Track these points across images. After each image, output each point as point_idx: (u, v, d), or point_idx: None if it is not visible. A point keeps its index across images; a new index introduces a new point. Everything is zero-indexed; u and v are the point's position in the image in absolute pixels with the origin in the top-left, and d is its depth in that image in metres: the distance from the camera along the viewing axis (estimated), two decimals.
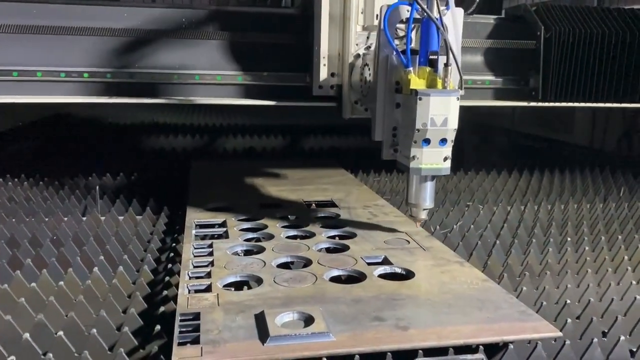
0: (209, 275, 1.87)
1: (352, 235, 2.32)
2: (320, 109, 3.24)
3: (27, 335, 1.53)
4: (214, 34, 3.30)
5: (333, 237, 2.33)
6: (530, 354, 1.57)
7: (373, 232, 2.36)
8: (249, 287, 1.80)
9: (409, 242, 2.24)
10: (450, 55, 2.00)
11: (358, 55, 2.75)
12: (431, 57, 2.08)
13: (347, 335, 1.47)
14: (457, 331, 1.50)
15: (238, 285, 1.85)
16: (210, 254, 2.07)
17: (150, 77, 3.24)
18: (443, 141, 2.06)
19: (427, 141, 2.05)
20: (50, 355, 1.49)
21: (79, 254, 2.26)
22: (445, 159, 2.10)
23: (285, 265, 2.02)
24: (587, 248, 2.46)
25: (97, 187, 3.15)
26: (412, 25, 2.10)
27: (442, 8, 2.04)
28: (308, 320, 1.54)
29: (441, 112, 2.00)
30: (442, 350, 1.48)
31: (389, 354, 1.45)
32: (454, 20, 2.16)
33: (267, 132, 5.34)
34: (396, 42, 2.22)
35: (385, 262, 2.02)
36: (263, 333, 1.46)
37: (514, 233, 2.70)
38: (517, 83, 3.69)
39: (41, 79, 3.13)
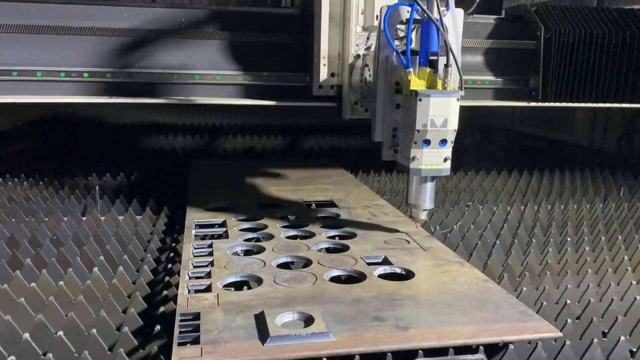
0: (208, 275, 1.87)
1: (352, 236, 2.32)
2: (320, 109, 3.24)
3: (26, 335, 1.53)
4: (214, 34, 3.30)
5: (333, 237, 2.33)
6: (531, 354, 1.57)
7: (373, 232, 2.36)
8: (249, 287, 1.80)
9: (409, 242, 2.24)
10: (451, 56, 2.00)
11: (358, 56, 2.74)
12: (431, 57, 2.08)
13: (347, 335, 1.47)
14: (457, 331, 1.50)
15: (238, 286, 1.85)
16: (210, 254, 2.07)
17: (150, 77, 3.24)
18: (443, 142, 2.06)
19: (427, 142, 2.05)
20: (50, 355, 1.49)
21: (79, 254, 2.26)
22: (445, 159, 2.10)
23: (285, 265, 2.02)
24: (587, 248, 2.46)
25: (97, 187, 3.15)
26: (412, 26, 2.10)
27: (442, 9, 2.04)
28: (308, 321, 1.54)
29: (441, 113, 2.00)
30: (442, 351, 1.48)
31: (389, 354, 1.45)
32: (454, 21, 2.16)
33: (267, 132, 5.35)
34: (396, 42, 2.22)
35: (385, 262, 2.02)
36: (263, 333, 1.46)
37: (514, 233, 2.70)
38: (517, 83, 3.70)
39: (41, 79, 3.13)
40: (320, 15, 2.91)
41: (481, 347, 1.50)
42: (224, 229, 2.39)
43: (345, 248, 2.16)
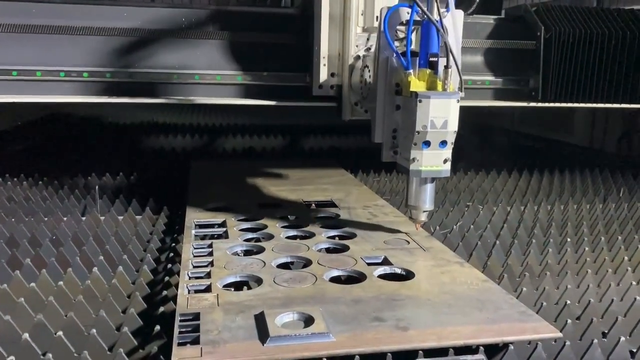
0: (208, 275, 1.87)
1: (352, 236, 2.32)
2: (320, 109, 3.24)
3: (26, 335, 1.53)
4: (214, 34, 3.30)
5: (333, 237, 2.33)
6: (531, 355, 1.57)
7: (373, 232, 2.36)
8: (249, 288, 1.80)
9: (408, 242, 2.24)
10: (450, 58, 2.00)
11: (358, 57, 2.74)
12: (431, 59, 2.08)
13: (347, 335, 1.47)
14: (457, 332, 1.50)
15: (238, 286, 1.85)
16: (210, 254, 2.07)
17: (149, 77, 3.24)
18: (443, 143, 2.06)
19: (427, 143, 2.05)
20: (50, 355, 1.49)
21: (79, 254, 2.26)
22: (445, 161, 2.10)
23: (285, 266, 2.01)
24: (587, 249, 2.46)
25: (97, 187, 3.15)
26: (412, 27, 2.10)
27: (442, 10, 2.04)
28: (308, 321, 1.54)
29: (441, 114, 2.00)
30: (442, 351, 1.48)
31: (389, 354, 1.45)
32: (454, 22, 2.16)
33: (267, 132, 5.34)
34: (396, 44, 2.22)
35: (385, 262, 2.02)
36: (263, 333, 1.46)
37: (513, 233, 2.70)
38: (517, 83, 3.70)
39: (41, 79, 3.13)
40: (320, 15, 2.91)
41: (481, 348, 1.50)
42: (224, 229, 2.39)
43: (345, 248, 2.16)
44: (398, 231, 2.37)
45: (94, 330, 1.57)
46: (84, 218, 2.77)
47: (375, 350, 1.43)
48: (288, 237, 2.30)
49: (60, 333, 1.55)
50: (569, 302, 1.89)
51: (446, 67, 2.02)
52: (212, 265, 1.95)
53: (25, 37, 3.09)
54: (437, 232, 2.62)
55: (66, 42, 3.14)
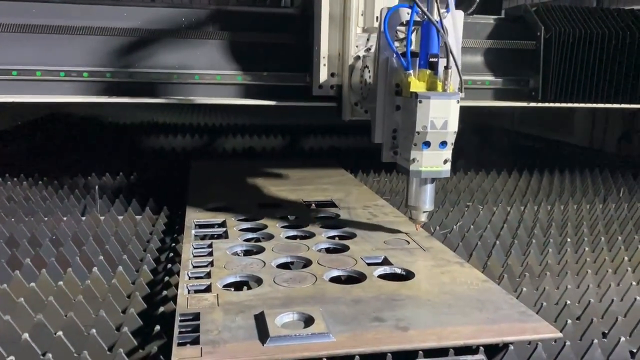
0: (208, 275, 1.87)
1: (352, 236, 2.32)
2: (320, 109, 3.24)
3: (26, 335, 1.53)
4: (214, 34, 3.30)
5: (333, 237, 2.33)
6: (531, 355, 1.57)
7: (373, 232, 2.36)
8: (249, 288, 1.80)
9: (408, 242, 2.24)
10: (451, 58, 2.00)
11: (358, 57, 2.74)
12: (431, 59, 2.08)
13: (347, 335, 1.47)
14: (457, 332, 1.50)
15: (238, 286, 1.85)
16: (210, 254, 2.07)
17: (149, 77, 3.23)
18: (443, 144, 2.06)
19: (427, 144, 2.05)
20: (50, 355, 1.49)
21: (79, 253, 2.26)
22: (445, 161, 2.10)
23: (285, 266, 2.01)
24: (587, 249, 2.46)
25: (97, 187, 3.14)
26: (412, 28, 2.10)
27: (442, 11, 2.04)
28: (308, 321, 1.53)
29: (441, 115, 2.00)
30: (442, 351, 1.48)
31: (389, 354, 1.45)
32: (454, 22, 2.16)
33: (267, 132, 5.34)
34: (396, 44, 2.22)
35: (385, 262, 2.02)
36: (263, 333, 1.46)
37: (513, 233, 2.70)
38: (517, 83, 3.70)
39: (40, 79, 3.13)
40: (320, 15, 2.91)
41: (481, 348, 1.50)
42: (224, 229, 2.39)
43: (345, 248, 2.16)
44: (398, 231, 2.37)
45: (94, 330, 1.57)
46: (83, 218, 2.77)
47: (375, 350, 1.43)
48: (288, 237, 2.30)
49: (60, 333, 1.55)
50: (569, 302, 1.89)
51: (446, 67, 2.02)
52: (212, 265, 1.95)
53: (25, 36, 3.09)
54: (437, 232, 2.62)
55: (66, 42, 3.14)
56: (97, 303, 1.85)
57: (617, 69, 3.64)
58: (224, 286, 1.80)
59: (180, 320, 1.53)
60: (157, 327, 1.62)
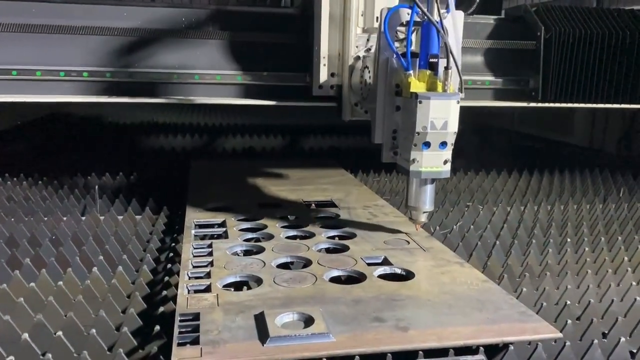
0: (208, 275, 1.87)
1: (351, 236, 2.31)
2: (320, 109, 3.24)
3: (26, 335, 1.53)
4: (214, 34, 3.29)
5: (333, 237, 2.33)
6: (531, 355, 1.57)
7: (373, 232, 2.36)
8: (249, 288, 1.80)
9: (408, 242, 2.24)
10: (451, 59, 2.00)
11: (358, 58, 2.74)
12: (431, 60, 2.07)
13: (347, 336, 1.47)
14: (457, 332, 1.50)
15: (238, 286, 1.85)
16: (210, 254, 2.07)
17: (149, 77, 3.23)
18: (443, 144, 2.06)
19: (427, 144, 2.05)
20: (49, 355, 1.49)
21: (78, 253, 2.26)
22: (445, 162, 2.10)
23: (285, 266, 2.01)
24: (587, 249, 2.46)
25: (97, 187, 3.14)
26: (412, 28, 2.10)
27: (442, 11, 2.04)
28: (308, 321, 1.53)
29: (441, 115, 2.00)
30: (443, 351, 1.48)
31: (389, 355, 1.45)
32: (454, 23, 2.16)
33: (267, 132, 5.34)
34: (396, 44, 2.21)
35: (385, 262, 2.02)
36: (263, 334, 1.45)
37: (513, 234, 2.70)
38: (517, 83, 3.69)
39: (40, 78, 3.13)
40: (320, 15, 2.91)
41: (481, 348, 1.50)
42: (224, 229, 2.39)
43: (345, 248, 2.16)
44: (398, 231, 2.37)
45: (94, 330, 1.57)
46: (83, 218, 2.77)
47: (376, 350, 1.43)
48: (288, 237, 2.30)
49: (59, 333, 1.55)
50: (569, 302, 1.89)
51: (446, 68, 2.02)
52: (212, 265, 1.95)
53: (25, 36, 3.09)
54: (437, 232, 2.62)
55: (66, 42, 3.13)
56: (97, 303, 1.85)
57: (617, 69, 3.64)
58: (224, 286, 1.80)
59: (180, 320, 1.52)
60: (157, 327, 1.62)
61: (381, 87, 2.23)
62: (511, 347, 1.53)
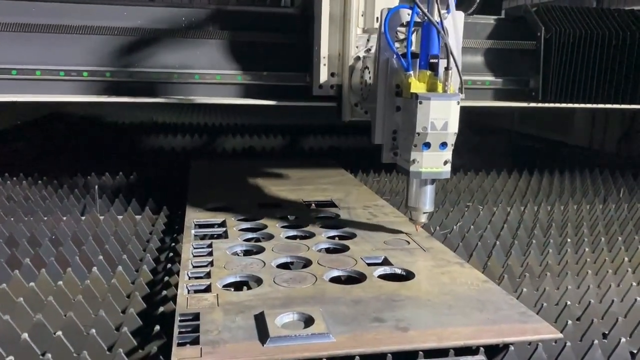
0: (208, 275, 1.87)
1: (352, 236, 2.31)
2: (320, 109, 3.24)
3: (25, 335, 1.52)
4: (214, 33, 3.29)
5: (333, 237, 2.33)
6: (531, 356, 1.57)
7: (373, 232, 2.36)
8: (249, 288, 1.80)
9: (408, 242, 2.24)
10: (451, 59, 2.00)
11: (358, 58, 2.74)
12: (432, 60, 2.07)
13: (347, 336, 1.47)
14: (458, 332, 1.50)
15: (238, 286, 1.85)
16: (210, 254, 2.07)
17: (149, 77, 3.23)
18: (443, 145, 2.06)
19: (427, 145, 2.05)
20: (49, 355, 1.49)
21: (78, 253, 2.26)
22: (446, 162, 2.09)
23: (285, 266, 2.01)
24: (587, 249, 2.46)
25: (96, 187, 3.14)
26: (413, 29, 2.10)
27: (442, 11, 2.04)
28: (308, 321, 1.53)
29: (441, 116, 2.00)
30: (443, 352, 1.48)
31: (389, 355, 1.45)
32: (454, 23, 2.15)
33: (267, 132, 5.34)
34: (396, 45, 2.21)
35: (385, 262, 2.02)
36: (263, 334, 1.45)
37: (514, 234, 2.70)
38: (517, 84, 3.69)
39: (40, 78, 3.12)
40: (320, 15, 2.91)
41: (481, 348, 1.50)
42: (224, 229, 2.39)
43: (345, 248, 2.15)
44: (398, 231, 2.36)
45: (94, 330, 1.57)
46: (83, 217, 2.77)
47: (376, 350, 1.43)
48: (288, 237, 2.30)
49: (59, 333, 1.55)
50: (569, 302, 1.88)
51: (446, 68, 2.01)
52: (212, 265, 1.95)
53: (25, 36, 3.09)
54: (437, 232, 2.62)
55: (66, 41, 3.13)
56: (97, 303, 1.85)
57: (617, 69, 3.64)
58: (224, 286, 1.80)
59: (180, 320, 1.52)
60: (157, 327, 1.62)
61: (381, 87, 2.23)
62: (511, 348, 1.53)
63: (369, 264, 1.99)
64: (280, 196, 2.99)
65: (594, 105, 3.71)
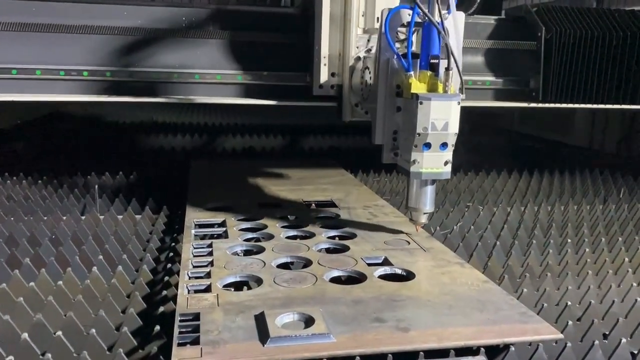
0: (208, 275, 1.86)
1: (352, 236, 2.31)
2: (320, 109, 3.24)
3: (25, 335, 1.52)
4: (214, 33, 3.29)
5: (333, 237, 2.33)
6: (532, 356, 1.57)
7: (373, 232, 2.36)
8: (249, 288, 1.79)
9: (409, 242, 2.24)
10: (452, 59, 2.00)
11: (358, 58, 2.74)
12: (432, 61, 2.07)
13: (347, 336, 1.46)
14: (458, 333, 1.50)
15: (238, 286, 1.84)
16: (210, 253, 2.07)
17: (149, 76, 3.23)
18: (444, 145, 2.06)
19: (427, 145, 2.05)
20: (49, 355, 1.49)
21: (78, 253, 2.25)
22: (446, 163, 2.09)
23: (285, 266, 2.01)
24: (587, 250, 2.46)
25: (96, 186, 3.14)
26: (413, 29, 2.09)
27: (443, 12, 2.04)
28: (308, 321, 1.53)
29: (442, 117, 2.00)
30: (443, 352, 1.48)
31: (389, 355, 1.45)
32: (455, 24, 2.15)
33: (267, 132, 5.34)
34: (397, 45, 2.21)
35: (386, 262, 2.02)
36: (263, 334, 1.45)
37: (514, 234, 2.70)
38: (517, 84, 3.69)
39: (40, 77, 3.12)
40: (320, 15, 2.90)
41: (482, 349, 1.50)
42: (224, 229, 2.39)
43: (345, 248, 2.15)
44: (398, 231, 2.36)
45: (94, 330, 1.57)
46: (83, 217, 2.77)
47: (376, 351, 1.43)
48: (288, 237, 2.30)
49: (59, 333, 1.55)
50: (569, 303, 1.88)
51: (447, 69, 2.01)
52: (212, 265, 1.95)
53: (25, 35, 3.09)
54: (438, 232, 2.62)
55: (66, 41, 3.13)
56: (97, 303, 1.84)
57: (617, 69, 3.64)
58: (224, 286, 1.79)
59: (180, 321, 1.52)
60: (157, 327, 1.62)
61: (382, 87, 2.22)
62: (512, 348, 1.53)
63: (369, 264, 1.98)
64: (280, 196, 2.99)
65: (594, 106, 3.71)
